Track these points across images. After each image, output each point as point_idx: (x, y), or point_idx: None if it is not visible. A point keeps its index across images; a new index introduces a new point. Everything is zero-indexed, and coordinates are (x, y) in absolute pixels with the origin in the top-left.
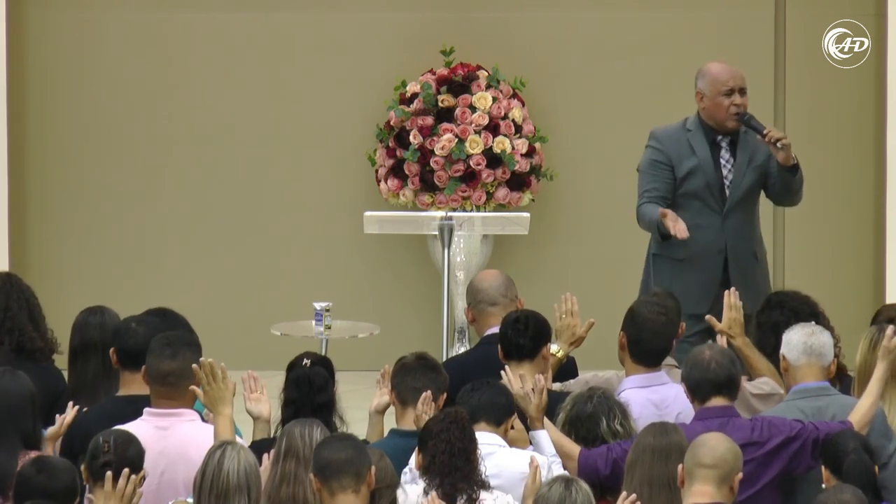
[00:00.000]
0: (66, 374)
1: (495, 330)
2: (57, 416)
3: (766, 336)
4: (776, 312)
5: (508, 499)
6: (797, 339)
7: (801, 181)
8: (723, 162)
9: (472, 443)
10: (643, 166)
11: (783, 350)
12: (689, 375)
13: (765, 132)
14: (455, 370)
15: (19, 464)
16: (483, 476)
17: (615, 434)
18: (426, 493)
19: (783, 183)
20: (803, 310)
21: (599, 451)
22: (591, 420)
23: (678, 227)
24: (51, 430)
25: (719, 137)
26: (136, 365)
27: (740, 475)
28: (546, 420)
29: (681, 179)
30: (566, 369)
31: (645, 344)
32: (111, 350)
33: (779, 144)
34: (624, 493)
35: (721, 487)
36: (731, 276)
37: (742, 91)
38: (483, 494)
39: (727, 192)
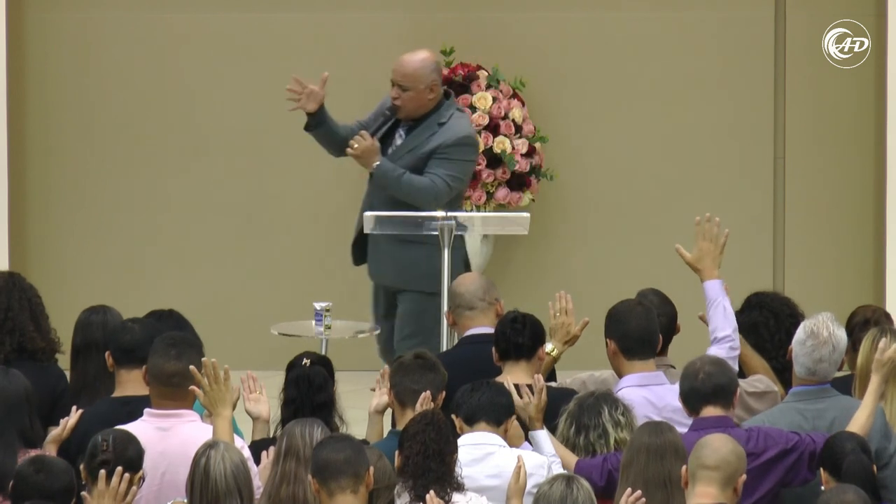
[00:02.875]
0: (68, 373)
1: (473, 332)
2: (61, 419)
3: (746, 336)
4: (755, 313)
5: (482, 500)
6: (804, 360)
7: (396, 187)
8: (395, 138)
9: (449, 445)
10: None
11: (793, 347)
12: (681, 386)
13: (359, 134)
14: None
15: (19, 461)
16: (459, 478)
17: (617, 423)
18: (398, 494)
19: None
20: (783, 311)
21: (595, 461)
22: (592, 409)
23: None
24: (54, 432)
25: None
26: (132, 362)
27: (744, 477)
28: (545, 430)
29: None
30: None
31: (631, 336)
32: (107, 353)
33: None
34: (629, 490)
35: (725, 489)
36: (368, 237)
37: (400, 86)
38: (456, 497)
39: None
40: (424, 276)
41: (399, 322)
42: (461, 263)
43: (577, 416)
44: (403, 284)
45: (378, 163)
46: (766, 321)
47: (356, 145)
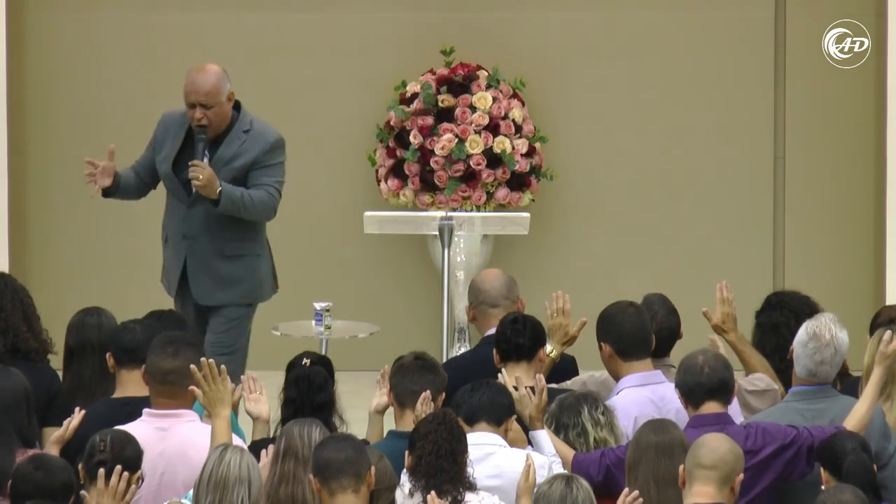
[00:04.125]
0: (60, 374)
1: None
2: (64, 420)
3: (766, 336)
4: (776, 313)
5: (494, 500)
6: (805, 361)
7: (243, 208)
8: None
9: (461, 444)
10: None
11: (795, 347)
12: (682, 381)
13: (190, 163)
14: (456, 371)
15: (17, 461)
16: (471, 478)
17: (596, 422)
18: (411, 494)
19: None
20: (803, 310)
21: (592, 457)
22: (572, 408)
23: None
24: (56, 433)
25: (203, 135)
26: (133, 362)
27: (741, 476)
28: (546, 430)
29: (159, 162)
30: (565, 369)
31: (626, 337)
32: (108, 354)
33: (193, 183)
34: (626, 490)
35: (722, 488)
36: (189, 261)
37: (204, 105)
38: (468, 496)
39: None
40: (246, 288)
41: (216, 330)
42: (270, 274)
43: (557, 415)
44: (227, 300)
45: (221, 188)
46: (787, 321)
47: (200, 177)
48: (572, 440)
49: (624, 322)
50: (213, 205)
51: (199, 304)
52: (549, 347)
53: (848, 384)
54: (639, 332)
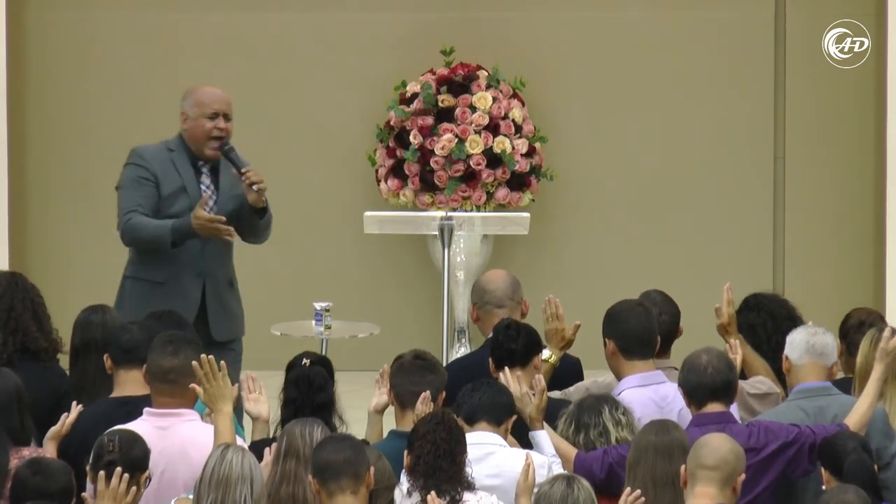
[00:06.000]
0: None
1: None
2: (61, 416)
3: (743, 337)
4: (753, 314)
5: (493, 499)
6: (800, 339)
7: (268, 222)
8: (202, 188)
9: (460, 444)
10: (126, 183)
11: (787, 351)
12: (685, 380)
13: (243, 171)
14: (459, 372)
15: (11, 461)
16: (469, 478)
17: (617, 422)
18: (409, 493)
19: (249, 222)
20: (780, 312)
21: (595, 455)
22: (592, 408)
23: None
24: (53, 429)
25: (200, 163)
26: (131, 362)
27: (743, 476)
28: (545, 430)
29: (164, 199)
30: (571, 371)
31: (631, 335)
32: (105, 355)
33: (255, 188)
34: (628, 489)
35: (724, 489)
36: (208, 299)
37: (226, 116)
38: (466, 496)
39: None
40: (241, 319)
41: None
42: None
43: (577, 415)
44: (235, 333)
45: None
46: (764, 323)
47: (263, 180)
48: (593, 440)
49: (630, 320)
50: (260, 215)
51: (216, 341)
52: (547, 353)
53: (842, 385)
54: (643, 332)
